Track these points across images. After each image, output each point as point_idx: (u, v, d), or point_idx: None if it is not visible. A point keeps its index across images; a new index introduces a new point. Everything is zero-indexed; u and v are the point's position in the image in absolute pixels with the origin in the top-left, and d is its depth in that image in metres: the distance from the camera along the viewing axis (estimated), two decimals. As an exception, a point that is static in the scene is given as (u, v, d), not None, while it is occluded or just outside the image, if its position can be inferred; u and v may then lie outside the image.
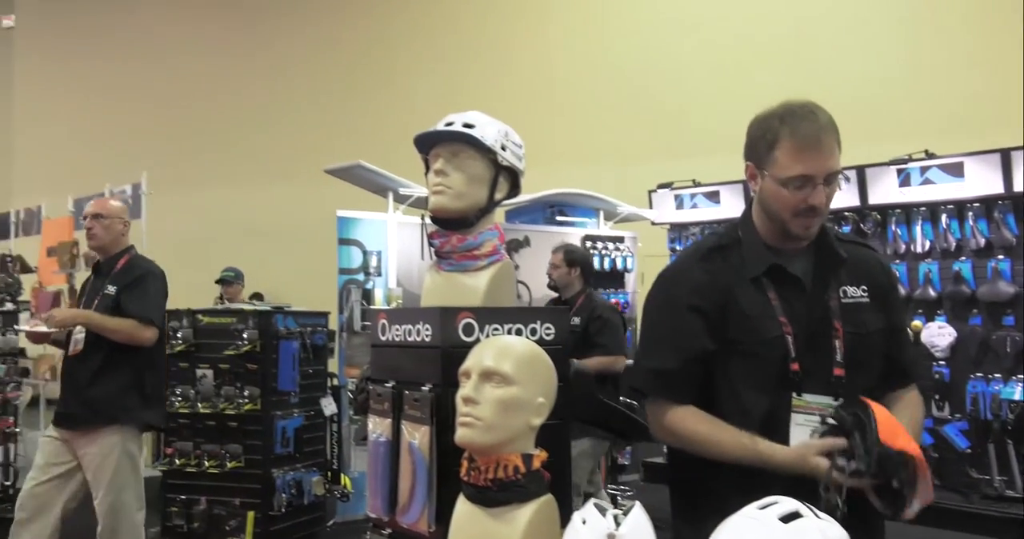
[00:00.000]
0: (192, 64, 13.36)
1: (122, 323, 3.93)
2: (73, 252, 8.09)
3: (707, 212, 7.01)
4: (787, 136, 1.91)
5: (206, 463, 5.13)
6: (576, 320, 4.89)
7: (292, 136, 12.34)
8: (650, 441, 5.27)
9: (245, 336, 5.20)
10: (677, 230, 7.29)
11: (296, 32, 12.73)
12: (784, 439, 1.91)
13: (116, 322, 3.93)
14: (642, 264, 7.95)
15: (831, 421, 1.87)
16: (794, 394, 1.94)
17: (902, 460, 1.75)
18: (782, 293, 1.98)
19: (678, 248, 7.21)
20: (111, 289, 4.00)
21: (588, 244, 7.58)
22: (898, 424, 1.80)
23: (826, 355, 1.97)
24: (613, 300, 7.59)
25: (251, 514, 5.08)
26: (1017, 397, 5.19)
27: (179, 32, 13.55)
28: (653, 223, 7.57)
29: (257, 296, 9.39)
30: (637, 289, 7.86)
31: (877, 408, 1.83)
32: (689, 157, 8.68)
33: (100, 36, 14.24)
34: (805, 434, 1.91)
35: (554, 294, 5.44)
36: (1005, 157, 5.27)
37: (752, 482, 1.70)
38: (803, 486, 1.68)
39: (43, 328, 4.00)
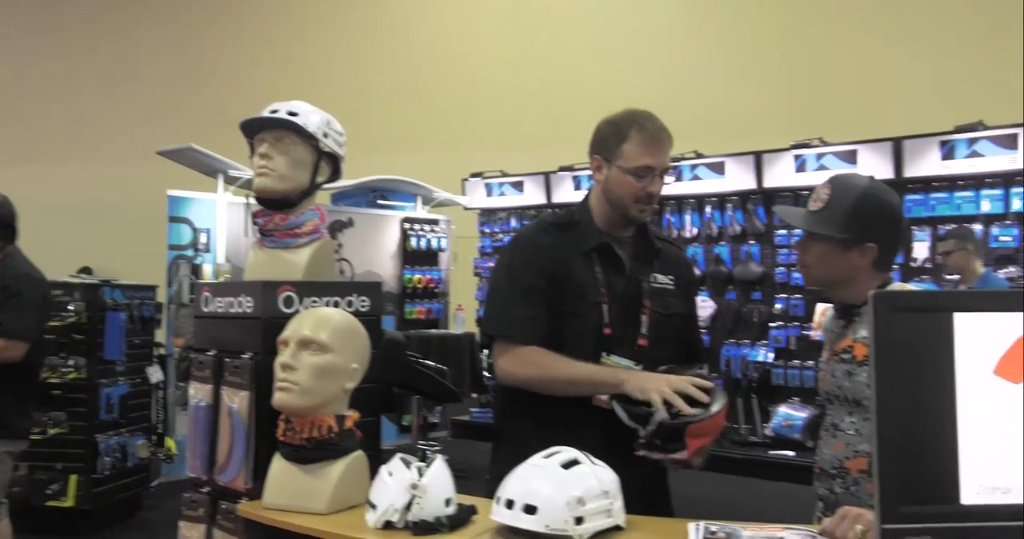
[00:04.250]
0: (8, 31, 12.17)
1: None
2: None
3: (513, 199, 7.13)
4: (636, 132, 2.06)
5: (29, 430, 4.77)
6: None
7: (121, 114, 11.53)
8: (457, 402, 5.31)
9: (71, 308, 4.87)
10: (487, 215, 7.38)
11: (130, 7, 11.87)
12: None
13: None
14: (455, 245, 8.01)
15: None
16: (604, 354, 2.06)
17: (676, 438, 1.87)
18: (606, 269, 2.11)
19: (487, 231, 7.31)
20: None
21: (407, 226, 7.56)
22: (710, 433, 1.91)
23: (634, 327, 2.11)
24: (427, 277, 7.62)
25: (73, 477, 4.80)
26: (761, 359, 5.60)
27: None
28: (465, 208, 7.62)
29: (86, 270, 8.78)
30: (450, 267, 7.93)
31: (720, 416, 1.93)
32: (498, 149, 8.79)
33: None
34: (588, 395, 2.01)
35: None
36: (757, 158, 5.66)
37: (556, 436, 1.76)
38: (594, 437, 1.76)
39: None
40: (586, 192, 2.26)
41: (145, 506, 5.43)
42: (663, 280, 2.19)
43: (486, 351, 2.23)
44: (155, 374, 5.47)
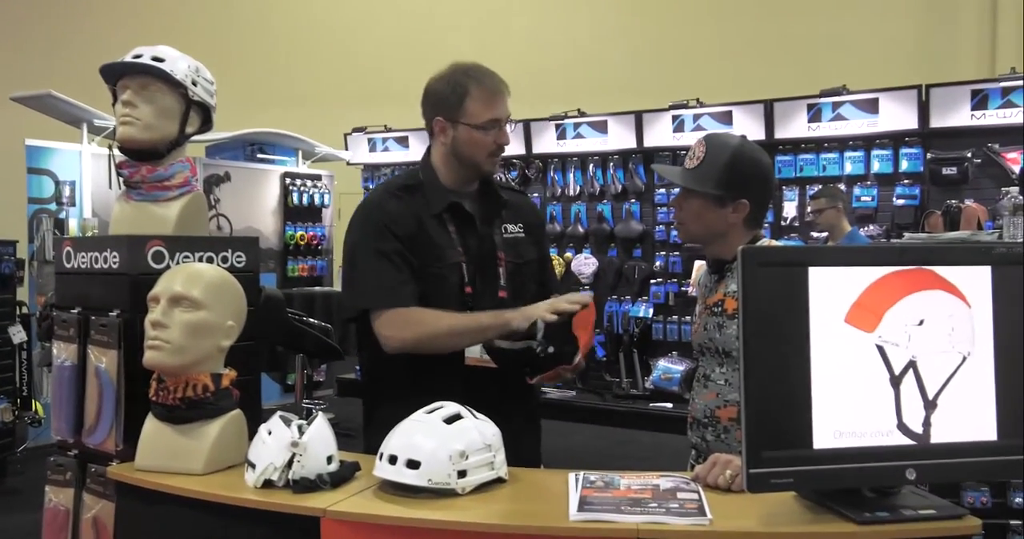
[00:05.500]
0: None
1: None
2: None
3: (397, 155, 7.03)
4: (475, 87, 2.05)
5: None
6: None
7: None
8: (340, 359, 5.25)
9: (-80, 265, 4.53)
10: (370, 170, 7.26)
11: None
12: (461, 350, 2.02)
13: None
14: (338, 201, 7.85)
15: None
16: (468, 313, 2.04)
17: (566, 340, 1.92)
18: (459, 228, 2.09)
19: (371, 187, 7.19)
20: None
21: (287, 181, 7.35)
22: (591, 326, 1.96)
23: (493, 280, 2.10)
24: (310, 234, 7.44)
25: (-70, 445, 4.51)
26: (641, 315, 5.77)
27: None
28: (348, 163, 7.47)
29: (-64, 224, 8.17)
30: (334, 223, 7.77)
31: (592, 308, 2.00)
32: (382, 104, 8.62)
33: None
34: (477, 344, 2.02)
35: None
36: (638, 118, 5.75)
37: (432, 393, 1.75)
38: (470, 395, 1.76)
39: None
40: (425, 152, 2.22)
41: (11, 472, 5.19)
42: (513, 229, 2.20)
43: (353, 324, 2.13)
44: (18, 334, 5.18)
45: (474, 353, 2.02)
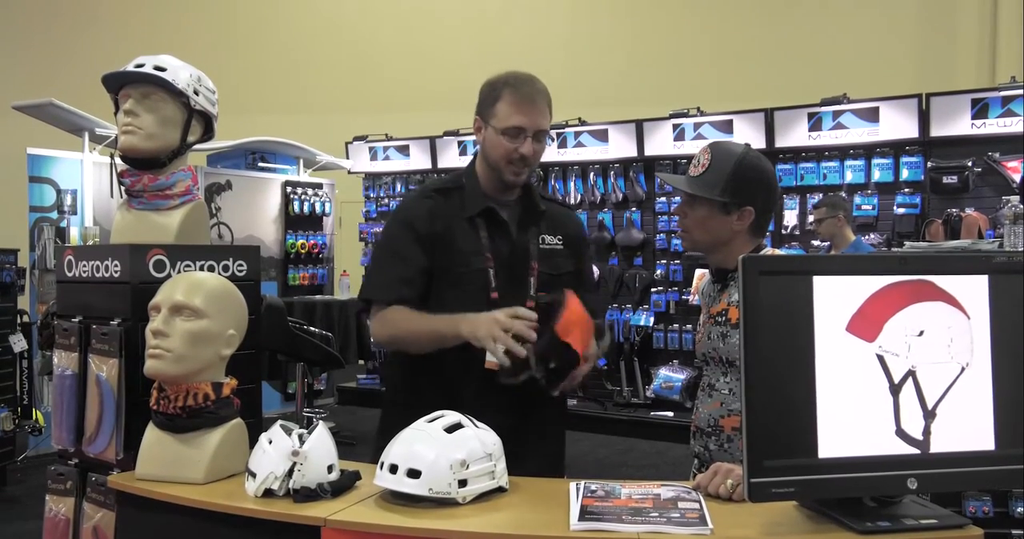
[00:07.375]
0: None
1: None
2: None
3: (398, 164, 7.05)
4: (509, 92, 2.06)
5: None
6: None
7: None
8: (341, 368, 5.25)
9: (-79, 273, 4.53)
10: (371, 179, 7.28)
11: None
12: (481, 354, 1.97)
13: None
14: (339, 209, 7.86)
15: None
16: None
17: (562, 350, 1.89)
18: (491, 233, 2.10)
19: (372, 195, 7.21)
20: None
21: (288, 189, 7.36)
22: (579, 322, 1.90)
23: (522, 289, 2.10)
24: (311, 242, 7.46)
25: (-70, 454, 4.49)
26: (642, 323, 5.77)
27: None
28: (349, 172, 7.48)
29: (-63, 233, 8.18)
30: (335, 232, 7.78)
31: (571, 301, 1.91)
32: (383, 113, 8.65)
33: None
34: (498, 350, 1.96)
35: None
36: (639, 127, 5.77)
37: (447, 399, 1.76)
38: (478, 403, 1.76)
39: None
40: (472, 156, 2.24)
41: (11, 481, 5.16)
42: (551, 240, 2.19)
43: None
44: (19, 343, 5.17)
45: (492, 358, 2.00)
